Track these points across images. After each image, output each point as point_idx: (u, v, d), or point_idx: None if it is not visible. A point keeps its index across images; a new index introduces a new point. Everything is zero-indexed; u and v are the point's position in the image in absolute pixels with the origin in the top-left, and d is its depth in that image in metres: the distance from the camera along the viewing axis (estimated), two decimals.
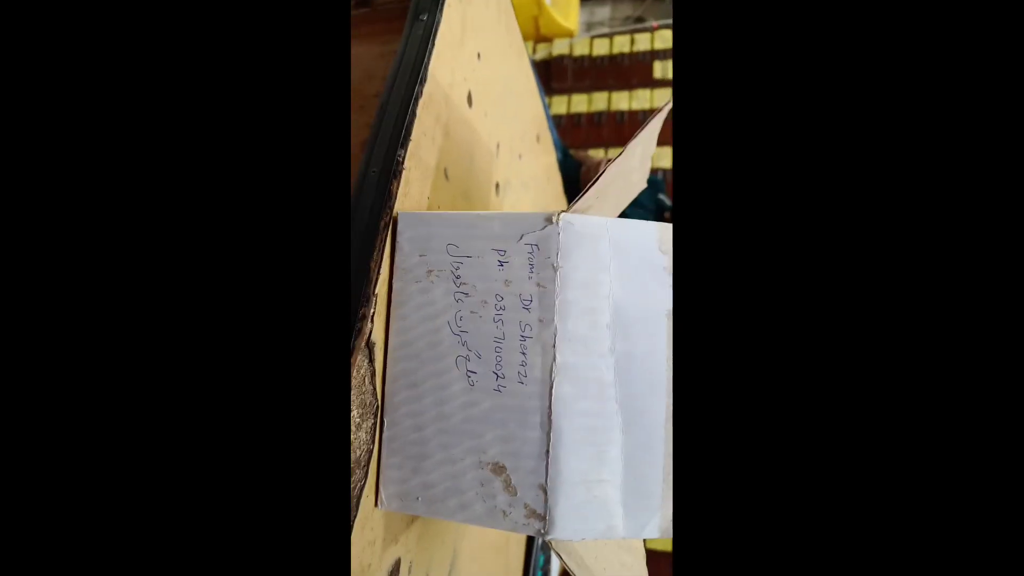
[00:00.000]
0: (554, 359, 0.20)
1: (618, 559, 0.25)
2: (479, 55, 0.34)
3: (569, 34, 1.47)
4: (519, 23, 0.44)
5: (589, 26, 1.59)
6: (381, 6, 0.41)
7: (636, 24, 1.53)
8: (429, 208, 0.26)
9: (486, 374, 0.21)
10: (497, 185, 0.38)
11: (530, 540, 0.53)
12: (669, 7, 1.54)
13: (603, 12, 1.63)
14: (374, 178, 0.23)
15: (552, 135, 0.68)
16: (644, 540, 0.27)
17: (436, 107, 0.27)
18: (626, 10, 1.61)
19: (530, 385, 0.20)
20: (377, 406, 0.22)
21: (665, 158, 1.28)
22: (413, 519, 0.25)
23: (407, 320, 0.22)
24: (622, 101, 1.40)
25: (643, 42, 1.45)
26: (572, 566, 0.20)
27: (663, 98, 1.36)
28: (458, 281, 0.22)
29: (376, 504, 0.21)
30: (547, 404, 0.20)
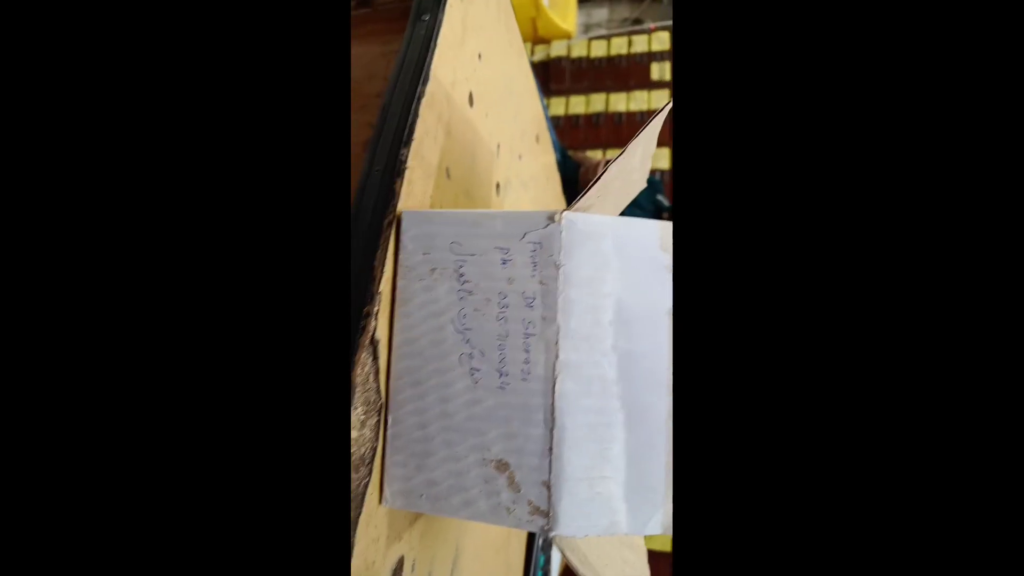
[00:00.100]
0: (557, 356, 0.20)
1: (620, 556, 0.25)
2: (480, 55, 0.34)
3: (567, 36, 1.48)
4: (517, 25, 0.44)
5: (587, 28, 1.60)
6: (381, 6, 0.41)
7: (633, 26, 1.53)
8: (431, 207, 0.26)
9: (489, 372, 0.21)
10: (498, 185, 0.38)
11: (530, 540, 0.53)
12: (666, 9, 1.54)
13: (601, 14, 1.63)
14: (377, 176, 0.23)
15: (551, 136, 0.69)
16: (644, 538, 0.27)
17: (438, 106, 0.27)
18: (623, 12, 1.61)
19: (533, 382, 0.21)
20: (381, 403, 0.22)
21: (663, 159, 1.29)
22: (416, 517, 0.25)
23: (411, 318, 0.22)
24: (620, 102, 1.40)
25: (640, 44, 1.46)
26: (575, 562, 0.21)
27: (660, 99, 1.37)
28: (461, 279, 0.22)
29: (380, 501, 0.22)
30: (550, 401, 0.20)
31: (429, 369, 0.22)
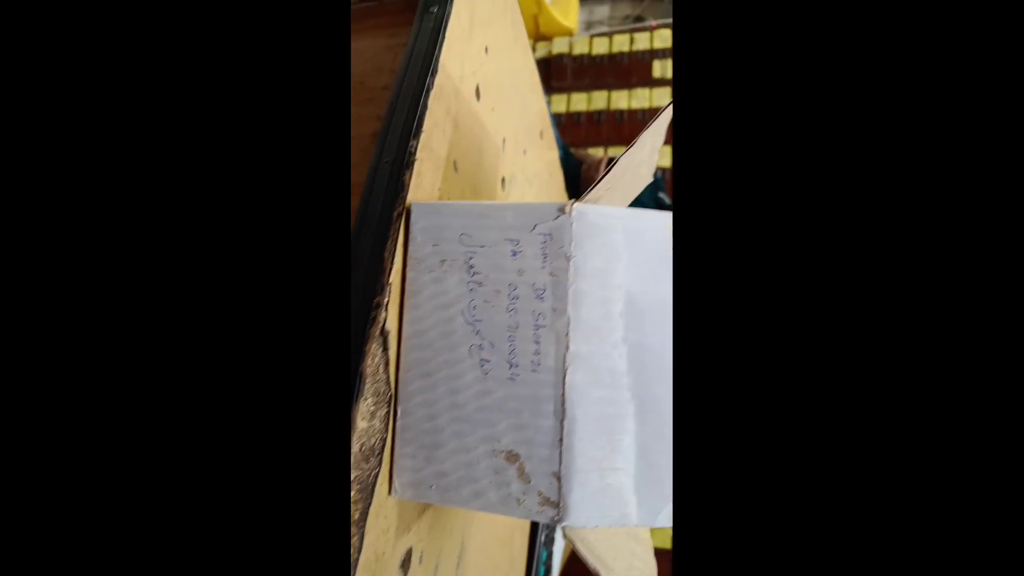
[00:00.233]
0: (567, 348, 0.20)
1: (628, 548, 0.25)
2: (487, 49, 0.34)
3: (569, 33, 1.47)
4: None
5: (588, 25, 1.60)
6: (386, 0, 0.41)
7: (635, 23, 1.53)
8: (439, 200, 0.26)
9: (499, 363, 0.21)
10: (503, 179, 0.38)
11: (533, 535, 0.53)
12: (668, 6, 1.54)
13: (602, 11, 1.63)
14: (387, 168, 0.23)
15: (554, 132, 0.69)
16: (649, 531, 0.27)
17: (446, 99, 0.27)
18: (625, 9, 1.61)
19: (543, 374, 0.21)
20: (391, 395, 0.22)
21: (664, 157, 1.28)
22: (424, 509, 0.25)
23: (420, 310, 0.22)
24: (621, 100, 1.40)
25: (642, 41, 1.45)
26: (585, 553, 0.21)
27: (662, 97, 1.36)
28: (471, 271, 0.22)
29: (390, 492, 0.22)
30: (560, 392, 0.20)
31: (439, 361, 0.22)
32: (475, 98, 0.32)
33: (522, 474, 0.20)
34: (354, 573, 0.19)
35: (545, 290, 0.21)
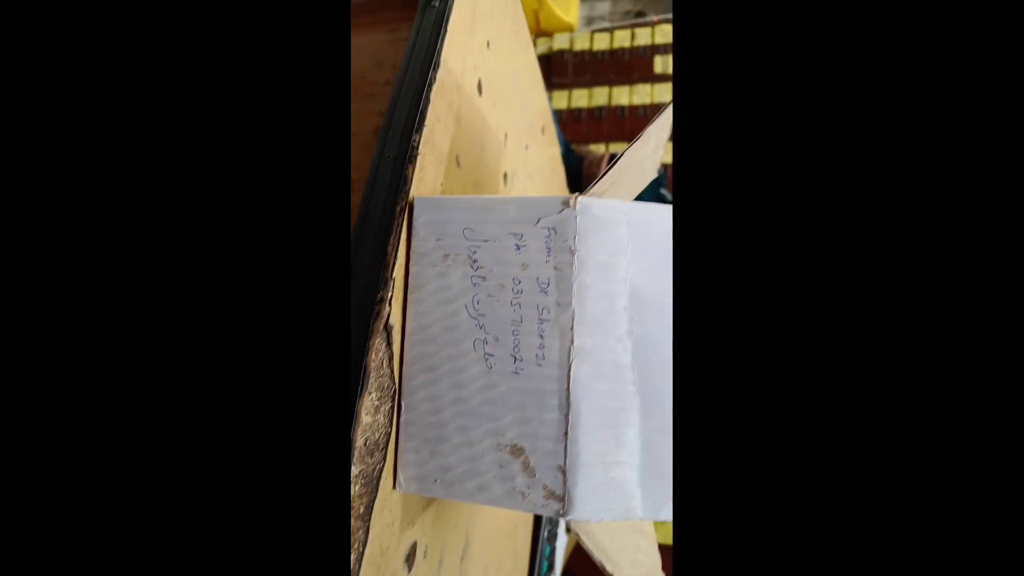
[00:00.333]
0: (572, 342, 0.20)
1: (632, 542, 0.25)
2: (488, 43, 0.34)
3: (569, 28, 1.47)
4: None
5: (589, 20, 1.59)
6: None
7: (636, 19, 1.53)
8: (442, 194, 0.26)
9: (504, 357, 0.21)
10: (505, 175, 0.38)
11: (536, 530, 0.53)
12: (669, 2, 1.53)
13: (603, 7, 1.62)
14: (389, 163, 0.23)
15: (555, 128, 0.68)
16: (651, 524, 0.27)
17: (448, 94, 0.27)
18: (626, 5, 1.60)
19: (548, 368, 0.21)
20: (395, 389, 0.22)
21: (667, 152, 1.28)
22: (429, 503, 0.25)
23: (424, 304, 0.22)
24: (623, 96, 1.40)
25: (643, 37, 1.45)
26: (590, 546, 0.21)
27: (664, 93, 1.36)
28: (475, 265, 0.22)
29: (394, 487, 0.22)
30: (565, 386, 0.20)
31: (443, 355, 0.22)
32: (477, 93, 0.32)
33: (527, 468, 0.20)
34: (359, 567, 0.19)
35: (549, 284, 0.21)
